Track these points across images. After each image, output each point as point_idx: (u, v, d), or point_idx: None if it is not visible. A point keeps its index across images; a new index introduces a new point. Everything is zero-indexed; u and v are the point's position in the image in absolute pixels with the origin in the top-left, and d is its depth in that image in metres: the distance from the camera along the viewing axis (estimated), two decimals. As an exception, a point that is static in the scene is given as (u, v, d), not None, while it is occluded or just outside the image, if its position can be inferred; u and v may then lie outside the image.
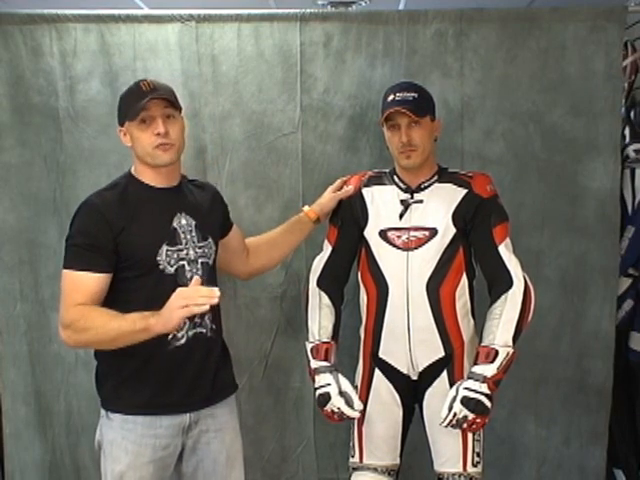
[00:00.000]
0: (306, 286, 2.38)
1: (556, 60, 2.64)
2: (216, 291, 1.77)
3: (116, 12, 2.61)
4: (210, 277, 2.08)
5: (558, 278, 2.72)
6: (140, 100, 1.94)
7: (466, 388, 2.07)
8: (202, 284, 1.86)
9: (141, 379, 2.01)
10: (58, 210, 2.67)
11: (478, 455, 2.23)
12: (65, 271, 1.96)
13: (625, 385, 2.88)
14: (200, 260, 2.05)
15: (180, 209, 2.05)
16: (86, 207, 1.98)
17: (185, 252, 2.02)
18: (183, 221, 2.05)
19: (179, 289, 1.82)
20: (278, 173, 2.71)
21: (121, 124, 2.03)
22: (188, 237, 2.04)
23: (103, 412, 2.07)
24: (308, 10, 2.65)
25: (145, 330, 1.83)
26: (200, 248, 2.07)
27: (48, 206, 2.67)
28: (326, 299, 2.31)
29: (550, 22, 2.62)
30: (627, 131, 2.90)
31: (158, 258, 1.97)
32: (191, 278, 1.98)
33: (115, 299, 1.98)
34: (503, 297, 2.14)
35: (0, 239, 2.68)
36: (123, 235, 1.94)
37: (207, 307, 1.77)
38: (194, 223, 2.07)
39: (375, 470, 2.29)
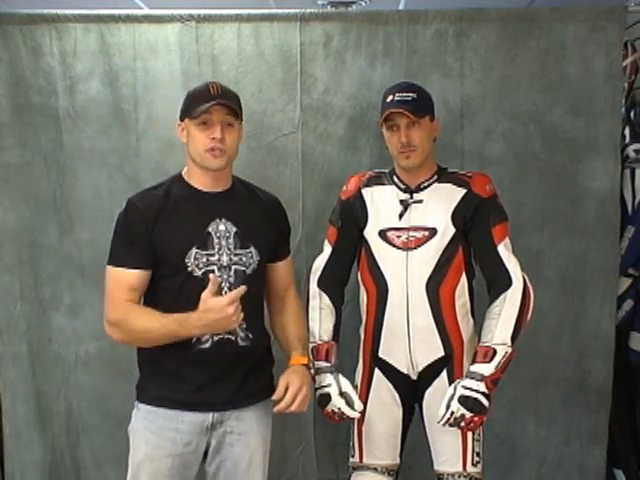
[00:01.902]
0: (306, 286, 2.37)
1: (556, 60, 2.64)
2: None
3: (116, 12, 2.62)
4: (247, 285, 1.98)
5: (558, 278, 2.72)
6: (205, 102, 1.96)
7: (464, 387, 2.07)
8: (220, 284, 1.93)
9: (165, 374, 2.03)
10: (58, 210, 2.67)
11: (478, 455, 2.23)
12: (107, 267, 2.03)
13: (625, 385, 2.88)
14: (234, 267, 2.03)
15: (221, 215, 2.04)
16: (126, 205, 2.04)
17: (217, 257, 2.01)
18: (221, 227, 2.04)
19: (216, 302, 1.88)
20: (278, 173, 2.71)
21: (181, 119, 2.07)
22: (223, 243, 2.03)
23: (136, 402, 2.10)
24: (308, 10, 2.65)
25: (187, 332, 1.92)
26: (237, 255, 2.04)
27: (48, 206, 2.68)
28: (327, 299, 2.31)
29: (550, 22, 2.63)
30: (627, 131, 2.90)
31: (187, 260, 1.99)
32: (220, 284, 1.99)
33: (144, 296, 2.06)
34: (502, 297, 2.14)
35: (0, 239, 2.68)
36: (155, 233, 1.98)
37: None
38: (234, 230, 2.05)
39: (375, 470, 2.29)
